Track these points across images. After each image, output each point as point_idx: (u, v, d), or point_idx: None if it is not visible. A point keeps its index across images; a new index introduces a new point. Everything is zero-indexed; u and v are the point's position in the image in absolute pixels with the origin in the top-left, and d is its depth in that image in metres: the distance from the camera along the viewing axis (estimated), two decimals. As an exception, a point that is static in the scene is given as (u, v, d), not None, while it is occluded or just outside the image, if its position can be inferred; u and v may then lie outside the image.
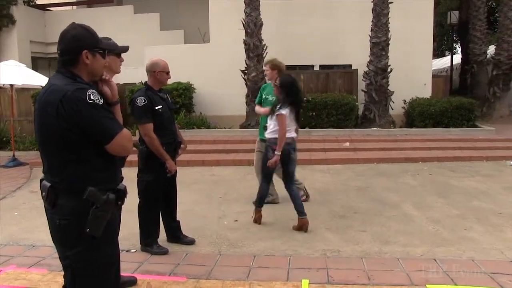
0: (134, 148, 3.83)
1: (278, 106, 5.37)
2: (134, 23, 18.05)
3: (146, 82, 4.79)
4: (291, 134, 5.50)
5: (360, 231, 5.45)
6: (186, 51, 15.46)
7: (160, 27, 18.32)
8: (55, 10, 20.74)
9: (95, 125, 2.34)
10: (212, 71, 14.76)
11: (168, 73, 4.79)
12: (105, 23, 17.46)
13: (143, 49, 14.96)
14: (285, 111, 5.32)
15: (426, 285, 3.92)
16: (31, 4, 19.56)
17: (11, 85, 10.72)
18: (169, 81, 14.67)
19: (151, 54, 14.94)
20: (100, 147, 2.39)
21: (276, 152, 5.34)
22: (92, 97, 2.32)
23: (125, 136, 2.44)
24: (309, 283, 3.98)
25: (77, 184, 2.36)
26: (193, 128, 13.13)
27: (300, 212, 5.51)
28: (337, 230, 5.51)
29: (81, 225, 2.34)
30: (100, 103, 2.35)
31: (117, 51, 3.49)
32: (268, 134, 5.51)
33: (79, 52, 2.44)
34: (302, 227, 5.49)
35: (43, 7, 20.09)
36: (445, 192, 7.33)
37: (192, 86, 14.49)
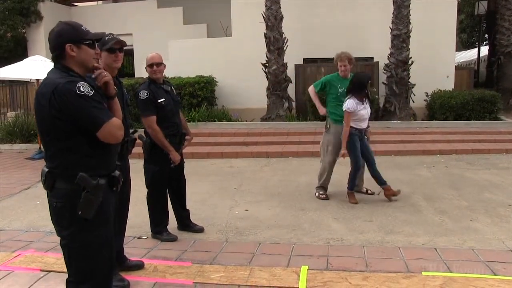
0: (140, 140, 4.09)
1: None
2: (158, 17, 18.33)
3: (148, 76, 4.94)
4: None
5: (366, 221, 5.55)
6: (208, 45, 15.65)
7: (183, 21, 18.57)
8: (80, 5, 21.27)
9: (84, 114, 2.52)
10: (234, 64, 14.88)
11: (152, 65, 4.80)
12: (129, 18, 17.85)
13: (166, 43, 15.23)
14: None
15: (422, 272, 4.01)
16: (58, 0, 20.07)
17: (37, 80, 11.01)
18: (192, 75, 14.76)
19: (175, 48, 15.28)
20: (91, 136, 2.58)
21: None
22: (81, 89, 2.50)
23: (114, 124, 2.61)
24: (307, 269, 4.11)
25: (70, 170, 2.56)
26: (215, 121, 13.30)
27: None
28: (344, 220, 5.62)
29: (74, 207, 2.55)
30: (90, 95, 2.52)
31: (109, 46, 3.70)
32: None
33: (63, 46, 2.61)
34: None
35: (69, 3, 20.64)
36: (457, 184, 7.34)
37: (215, 79, 14.61)
